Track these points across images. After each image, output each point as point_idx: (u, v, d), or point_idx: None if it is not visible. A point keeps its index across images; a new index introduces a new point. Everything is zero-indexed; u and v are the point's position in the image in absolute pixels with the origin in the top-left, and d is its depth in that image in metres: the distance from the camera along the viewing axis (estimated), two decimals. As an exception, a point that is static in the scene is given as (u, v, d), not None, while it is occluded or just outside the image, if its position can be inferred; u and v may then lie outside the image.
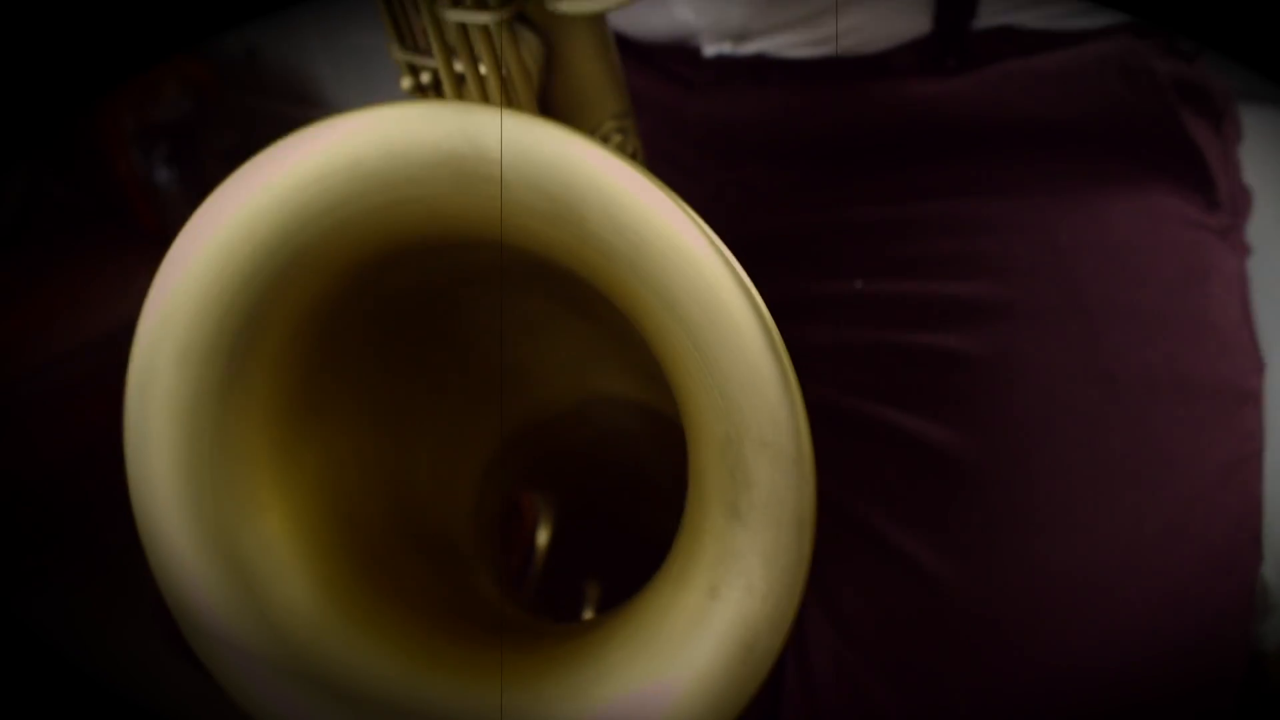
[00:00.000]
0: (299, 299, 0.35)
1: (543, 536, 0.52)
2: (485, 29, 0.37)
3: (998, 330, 0.55)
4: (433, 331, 0.42)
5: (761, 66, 0.63)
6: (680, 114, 0.67)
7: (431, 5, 0.37)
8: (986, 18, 0.59)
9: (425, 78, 0.43)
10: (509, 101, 0.39)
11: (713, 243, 0.29)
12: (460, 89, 0.41)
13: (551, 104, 0.42)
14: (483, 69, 0.39)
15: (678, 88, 0.68)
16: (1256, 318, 0.65)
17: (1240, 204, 0.66)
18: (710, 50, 0.64)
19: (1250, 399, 0.57)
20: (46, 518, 1.38)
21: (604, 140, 0.44)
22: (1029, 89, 0.59)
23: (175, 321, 0.35)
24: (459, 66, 0.40)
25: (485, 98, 0.40)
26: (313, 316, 0.36)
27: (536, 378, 0.46)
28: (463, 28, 0.38)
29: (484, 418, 0.46)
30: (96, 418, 1.38)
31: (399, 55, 0.42)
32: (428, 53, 0.41)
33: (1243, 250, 0.65)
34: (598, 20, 0.41)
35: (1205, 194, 0.62)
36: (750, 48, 0.62)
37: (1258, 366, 0.59)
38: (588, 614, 0.53)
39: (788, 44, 0.61)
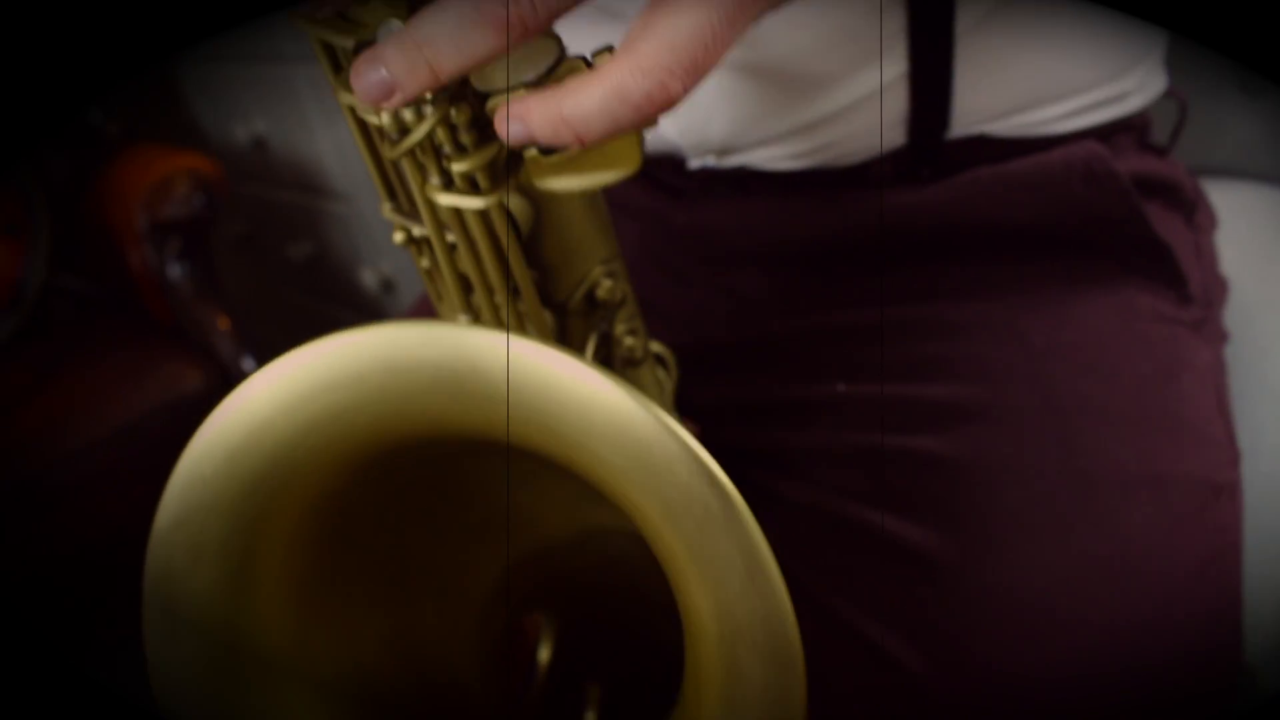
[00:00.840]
0: (306, 494, 0.38)
1: (545, 653, 0.54)
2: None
3: (974, 433, 0.57)
4: (434, 492, 0.44)
5: (745, 177, 0.66)
6: (669, 221, 0.70)
7: (424, 186, 0.39)
8: (959, 128, 0.61)
9: (417, 232, 0.45)
10: (495, 253, 0.42)
11: (695, 451, 0.31)
12: (452, 255, 0.43)
13: (541, 259, 0.44)
14: (473, 234, 0.41)
15: (665, 196, 0.70)
16: (1235, 402, 0.66)
17: (1215, 293, 0.68)
18: (695, 163, 0.66)
19: (1225, 492, 0.58)
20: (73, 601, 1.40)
21: (593, 286, 0.46)
22: (1000, 195, 0.61)
23: (190, 523, 0.37)
24: (450, 237, 0.42)
25: (478, 261, 0.42)
26: (319, 506, 0.39)
27: (536, 516, 0.48)
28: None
29: (486, 558, 0.48)
30: (116, 509, 1.41)
31: (391, 215, 0.45)
32: (419, 219, 0.43)
33: (1219, 339, 0.67)
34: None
35: (1177, 289, 0.63)
36: (733, 161, 0.65)
37: (1233, 458, 0.60)
38: (590, 717, 0.54)
39: (768, 158, 0.64)
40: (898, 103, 0.60)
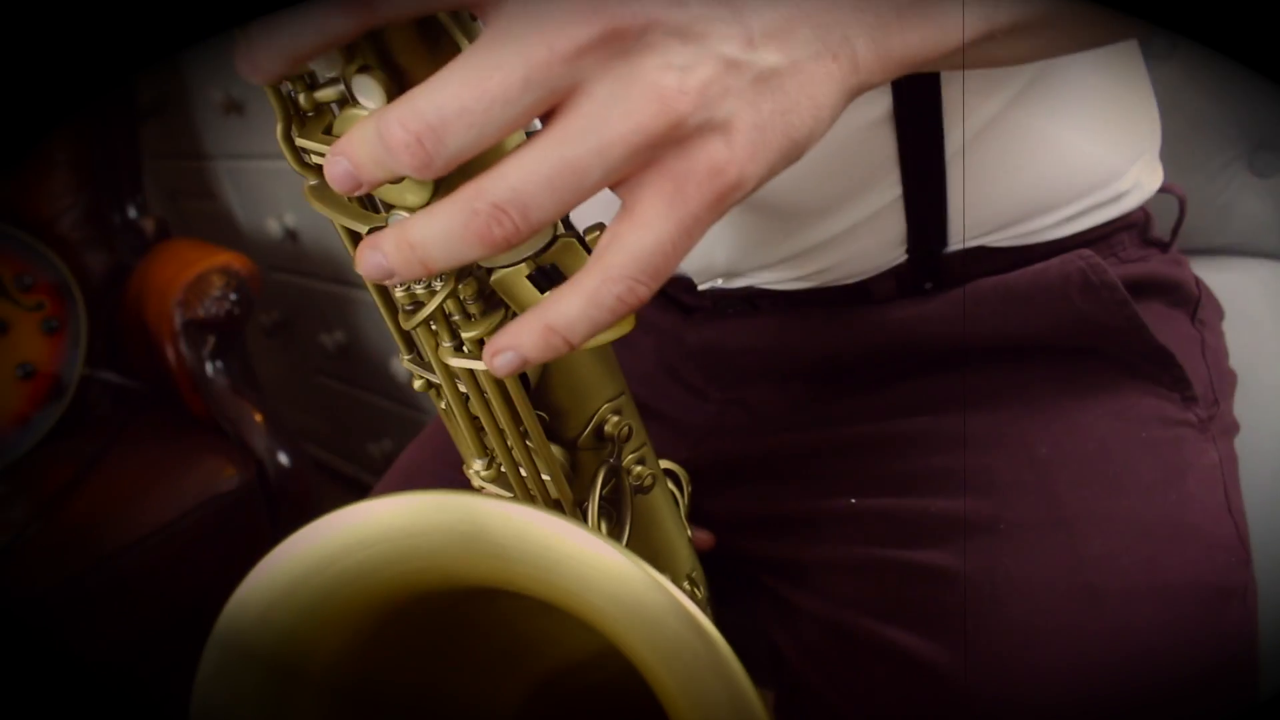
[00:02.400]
0: (336, 642, 0.42)
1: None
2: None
3: (982, 546, 0.58)
4: (453, 630, 0.47)
5: (753, 296, 0.68)
6: (682, 337, 0.72)
7: (437, 349, 0.42)
8: (957, 242, 0.63)
9: (434, 379, 0.48)
10: (505, 405, 0.44)
11: (682, 604, 0.34)
12: (465, 404, 0.45)
13: (550, 401, 0.47)
14: (484, 387, 0.44)
15: (679, 313, 0.73)
16: (1251, 486, 0.66)
17: (1222, 388, 0.68)
18: (704, 285, 0.69)
19: (1235, 595, 0.58)
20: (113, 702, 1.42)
21: (601, 423, 0.48)
22: (1000, 307, 0.62)
23: (229, 671, 0.40)
24: (463, 387, 0.44)
25: (489, 409, 0.44)
26: (349, 651, 0.42)
27: (553, 638, 0.50)
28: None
29: (507, 685, 0.50)
30: (152, 610, 1.43)
31: (410, 365, 0.47)
32: (433, 370, 0.45)
33: (1228, 433, 0.67)
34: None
35: (1181, 390, 0.64)
36: (739, 283, 0.67)
37: (1243, 559, 0.60)
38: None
39: (773, 279, 0.66)
40: (895, 223, 0.62)
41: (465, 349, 0.41)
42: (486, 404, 0.44)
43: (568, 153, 0.31)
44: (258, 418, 1.61)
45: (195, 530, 1.48)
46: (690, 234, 0.32)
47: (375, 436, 2.15)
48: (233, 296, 1.60)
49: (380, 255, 0.35)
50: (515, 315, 0.41)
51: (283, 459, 1.59)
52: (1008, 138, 0.60)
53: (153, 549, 1.45)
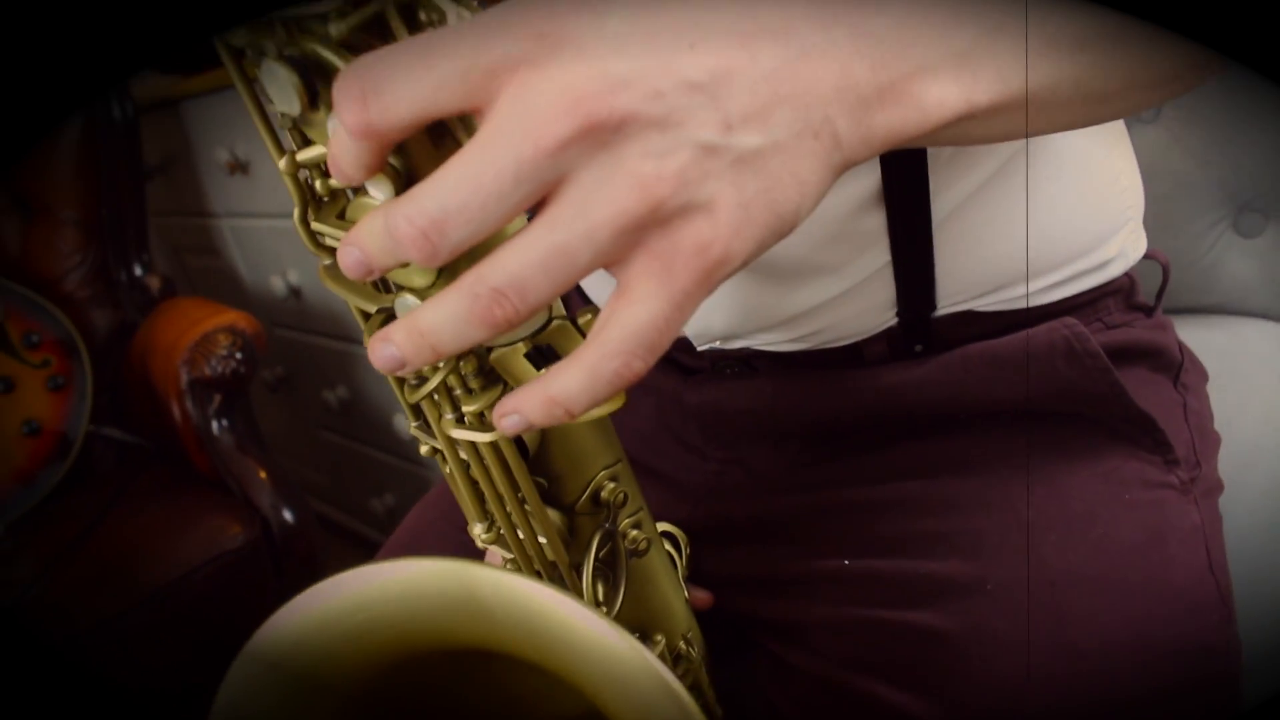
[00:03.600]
0: (341, 696, 0.44)
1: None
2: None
3: (969, 607, 0.59)
4: (453, 685, 0.50)
5: (750, 357, 0.70)
6: (681, 398, 0.74)
7: (440, 421, 0.44)
8: (946, 305, 0.65)
9: (438, 443, 0.50)
10: (504, 473, 0.46)
11: (656, 669, 0.37)
12: (466, 470, 0.47)
13: (548, 467, 0.49)
14: (485, 455, 0.46)
15: (679, 374, 0.74)
16: (1236, 543, 0.68)
17: (1205, 451, 0.70)
18: (702, 346, 0.71)
19: (1217, 653, 0.60)
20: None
21: (598, 489, 0.50)
22: (988, 373, 0.64)
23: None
24: (463, 454, 0.46)
25: (489, 476, 0.46)
26: (352, 705, 0.44)
27: (546, 697, 0.52)
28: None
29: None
30: (157, 669, 1.44)
31: (416, 432, 0.49)
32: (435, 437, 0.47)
33: (1211, 494, 0.68)
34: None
35: (1163, 453, 0.66)
36: (736, 344, 0.69)
37: (1225, 617, 0.62)
38: None
39: (768, 341, 0.68)
40: (885, 288, 0.64)
41: (466, 421, 0.43)
42: (486, 471, 0.46)
43: (557, 238, 0.32)
44: (262, 475, 1.62)
45: (201, 588, 1.49)
46: (682, 309, 0.34)
47: (378, 491, 2.17)
48: (238, 355, 1.62)
49: (392, 348, 0.37)
50: (512, 390, 0.44)
51: (287, 516, 1.60)
52: (994, 205, 0.62)
53: (158, 607, 1.46)
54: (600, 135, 0.31)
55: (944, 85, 0.36)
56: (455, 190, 0.32)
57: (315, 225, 0.42)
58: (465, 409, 0.42)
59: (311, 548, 1.64)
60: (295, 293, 1.98)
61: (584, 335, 0.40)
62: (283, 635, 0.43)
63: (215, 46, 0.38)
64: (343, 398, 2.06)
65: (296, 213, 0.42)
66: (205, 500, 1.62)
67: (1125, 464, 0.65)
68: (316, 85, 0.36)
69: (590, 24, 0.32)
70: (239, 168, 1.88)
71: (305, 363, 2.13)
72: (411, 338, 0.36)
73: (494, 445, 0.44)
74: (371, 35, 0.36)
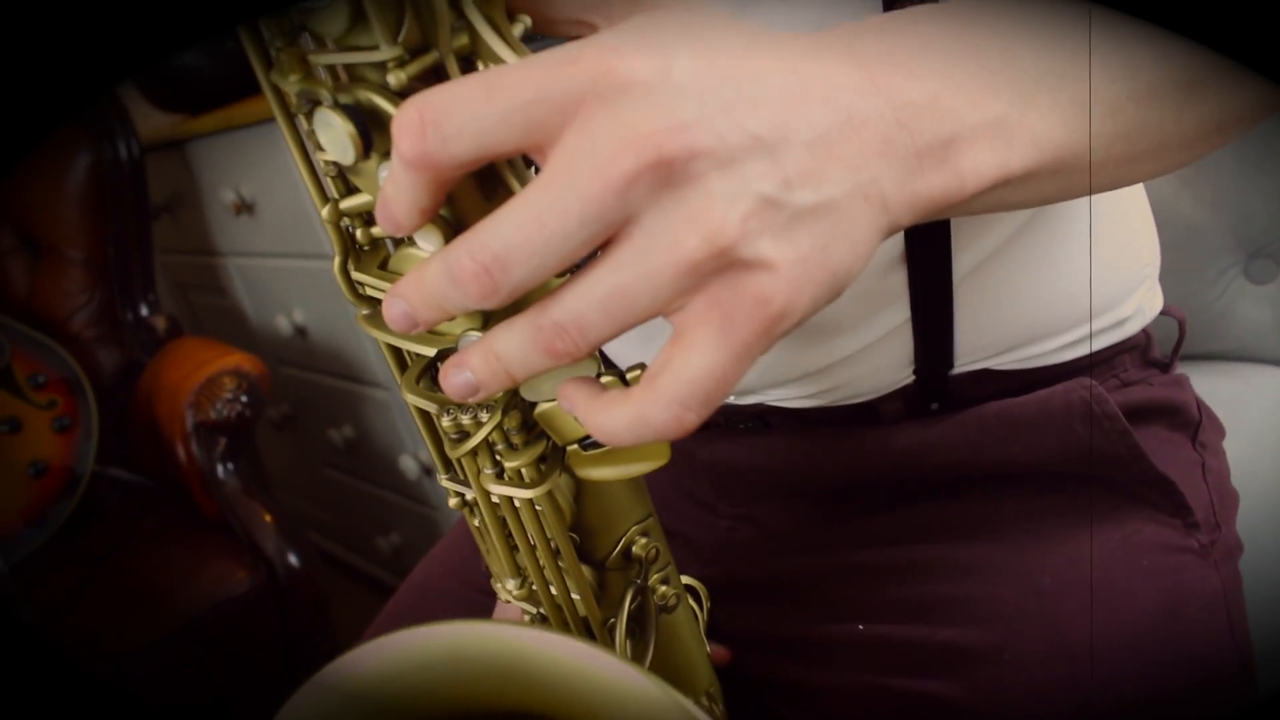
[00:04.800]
0: None
1: None
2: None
3: (987, 676, 0.59)
4: None
5: (764, 413, 0.70)
6: (694, 453, 0.74)
7: (478, 475, 0.44)
8: (963, 364, 0.65)
9: (469, 496, 0.50)
10: (540, 529, 0.46)
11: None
12: (502, 525, 0.47)
13: (581, 523, 0.48)
14: (517, 503, 0.45)
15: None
16: (1256, 598, 0.67)
17: (1224, 511, 0.69)
18: (716, 400, 0.70)
19: None
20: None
21: (629, 544, 0.50)
22: (1004, 434, 0.64)
23: None
24: (496, 497, 0.46)
25: (524, 531, 0.46)
26: None
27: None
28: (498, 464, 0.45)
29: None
30: (165, 710, 1.43)
31: (446, 484, 0.49)
32: (468, 484, 0.47)
33: (1231, 556, 0.68)
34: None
35: (1182, 516, 0.65)
36: (750, 399, 0.69)
37: (1247, 683, 0.61)
38: None
39: (783, 397, 0.67)
40: (903, 346, 0.64)
41: (506, 476, 0.43)
42: (522, 528, 0.46)
43: (619, 279, 0.32)
44: (267, 518, 1.62)
45: (205, 633, 1.48)
46: (741, 361, 0.34)
47: (384, 530, 2.16)
48: (243, 399, 1.62)
49: (468, 373, 0.37)
50: (556, 448, 0.44)
51: (292, 560, 1.60)
52: (1013, 265, 0.62)
53: (162, 654, 1.45)
54: (666, 174, 0.31)
55: (979, 153, 0.36)
56: (520, 227, 0.31)
57: (356, 275, 0.42)
58: (507, 464, 0.42)
59: (317, 593, 1.63)
60: (301, 332, 1.98)
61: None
62: (327, 697, 0.42)
63: (261, 88, 0.38)
64: (348, 437, 2.06)
65: (337, 261, 0.42)
66: (210, 544, 1.61)
67: (1144, 528, 0.64)
68: (371, 135, 0.35)
69: (658, 67, 0.31)
70: (244, 208, 1.88)
71: (311, 401, 2.13)
72: (488, 361, 0.36)
73: (532, 501, 0.44)
74: (429, 85, 0.36)
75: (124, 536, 1.66)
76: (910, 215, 0.36)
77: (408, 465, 1.91)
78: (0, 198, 1.91)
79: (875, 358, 0.64)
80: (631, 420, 0.35)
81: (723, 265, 0.32)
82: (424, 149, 0.31)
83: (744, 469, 0.71)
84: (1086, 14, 0.41)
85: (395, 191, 0.34)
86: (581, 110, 0.31)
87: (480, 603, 0.77)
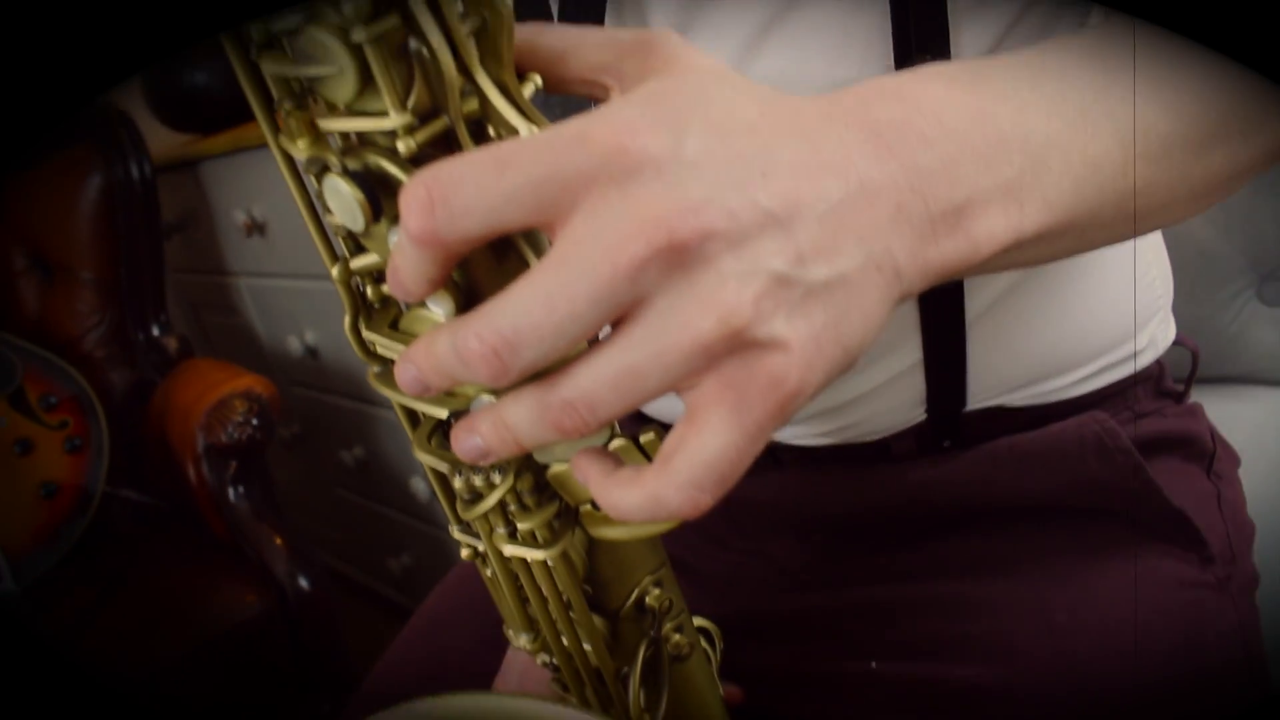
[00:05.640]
0: None
1: None
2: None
3: (1000, 715, 0.58)
4: None
5: (776, 450, 0.69)
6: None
7: (491, 534, 0.44)
8: (976, 401, 0.64)
9: (481, 548, 0.49)
10: (553, 585, 0.45)
11: None
12: (514, 580, 0.47)
13: (594, 575, 0.48)
14: (530, 560, 0.45)
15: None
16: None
17: (1240, 543, 0.69)
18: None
19: None
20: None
21: (642, 595, 0.49)
22: (1017, 469, 0.64)
23: None
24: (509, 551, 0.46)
25: (536, 586, 0.46)
26: None
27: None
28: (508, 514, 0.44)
29: None
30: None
31: (459, 535, 0.48)
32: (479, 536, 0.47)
33: (1247, 588, 0.67)
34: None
35: (1197, 550, 0.65)
36: (762, 439, 0.68)
37: (1270, 716, 0.60)
38: None
39: (796, 435, 0.67)
40: (915, 385, 0.63)
41: (519, 536, 0.43)
42: (534, 583, 0.46)
43: (630, 359, 0.32)
44: (278, 541, 1.61)
45: (217, 658, 1.48)
46: (755, 442, 0.33)
47: (394, 551, 2.16)
48: (254, 422, 1.61)
49: (477, 438, 0.36)
50: (569, 507, 0.43)
51: (303, 583, 1.59)
52: (1026, 302, 0.62)
53: (174, 678, 1.44)
54: (679, 256, 0.30)
55: (992, 218, 0.36)
56: (529, 309, 0.31)
57: (367, 335, 0.41)
58: (520, 525, 0.42)
59: (328, 617, 1.63)
60: (312, 352, 1.98)
61: (647, 456, 0.39)
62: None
63: (274, 152, 0.38)
64: (359, 457, 2.06)
65: (348, 320, 0.42)
66: (221, 566, 1.61)
67: (1160, 563, 0.64)
68: (380, 201, 0.35)
69: (669, 144, 0.31)
70: (256, 228, 1.89)
71: (322, 422, 2.13)
72: (497, 429, 0.36)
73: (545, 560, 0.44)
74: (439, 150, 0.35)
75: (135, 558, 1.66)
76: (923, 282, 0.36)
77: (418, 486, 1.90)
78: (12, 219, 1.92)
79: (887, 397, 0.64)
80: (645, 501, 0.35)
81: (736, 346, 0.32)
82: (432, 227, 0.31)
83: (756, 504, 0.71)
84: (1096, 74, 0.41)
85: (404, 263, 0.33)
86: (593, 190, 0.31)
87: (492, 637, 0.77)
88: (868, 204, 0.33)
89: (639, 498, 0.35)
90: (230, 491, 1.63)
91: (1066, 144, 0.39)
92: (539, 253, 0.35)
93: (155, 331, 1.93)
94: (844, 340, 0.33)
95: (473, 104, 0.35)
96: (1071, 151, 0.39)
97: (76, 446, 1.71)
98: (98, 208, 1.86)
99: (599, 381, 0.32)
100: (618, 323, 0.33)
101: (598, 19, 0.56)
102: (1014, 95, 0.38)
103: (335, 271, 0.40)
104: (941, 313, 0.60)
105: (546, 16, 0.58)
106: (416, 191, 0.31)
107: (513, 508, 0.42)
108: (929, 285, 0.37)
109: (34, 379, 1.71)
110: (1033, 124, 0.38)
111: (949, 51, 0.54)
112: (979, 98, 0.37)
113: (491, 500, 0.41)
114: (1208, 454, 0.71)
